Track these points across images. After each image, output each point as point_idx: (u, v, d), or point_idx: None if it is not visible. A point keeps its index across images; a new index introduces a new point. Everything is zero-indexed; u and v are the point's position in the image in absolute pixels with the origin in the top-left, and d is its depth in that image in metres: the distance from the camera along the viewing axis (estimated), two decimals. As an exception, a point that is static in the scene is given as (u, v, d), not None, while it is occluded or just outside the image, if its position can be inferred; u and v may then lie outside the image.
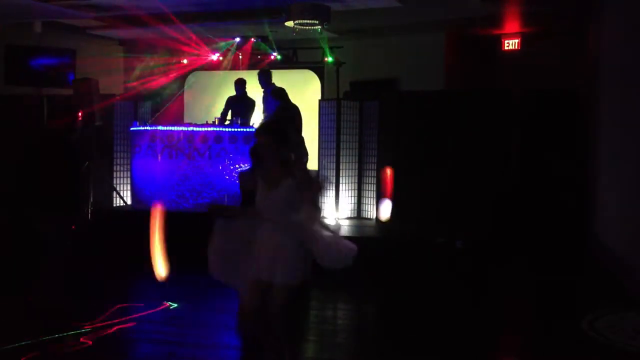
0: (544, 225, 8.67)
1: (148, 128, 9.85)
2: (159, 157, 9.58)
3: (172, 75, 11.73)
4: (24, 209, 7.47)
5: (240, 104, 10.58)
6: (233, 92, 10.64)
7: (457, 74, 11.63)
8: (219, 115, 10.47)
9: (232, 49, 11.74)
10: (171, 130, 9.61)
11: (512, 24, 11.23)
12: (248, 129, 10.02)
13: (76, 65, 11.49)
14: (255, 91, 10.96)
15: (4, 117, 10.76)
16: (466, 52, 11.80)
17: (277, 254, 4.19)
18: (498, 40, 11.59)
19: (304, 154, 9.96)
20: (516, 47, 11.55)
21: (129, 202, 10.40)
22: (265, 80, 10.27)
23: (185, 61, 12.33)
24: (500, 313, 6.77)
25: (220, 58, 11.78)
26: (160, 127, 9.66)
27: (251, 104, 10.74)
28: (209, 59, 11.79)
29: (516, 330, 6.34)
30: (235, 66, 11.77)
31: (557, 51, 10.91)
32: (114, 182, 10.49)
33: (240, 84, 10.74)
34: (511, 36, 11.50)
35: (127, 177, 10.53)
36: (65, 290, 6.36)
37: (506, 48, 11.61)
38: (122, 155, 10.59)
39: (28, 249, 6.98)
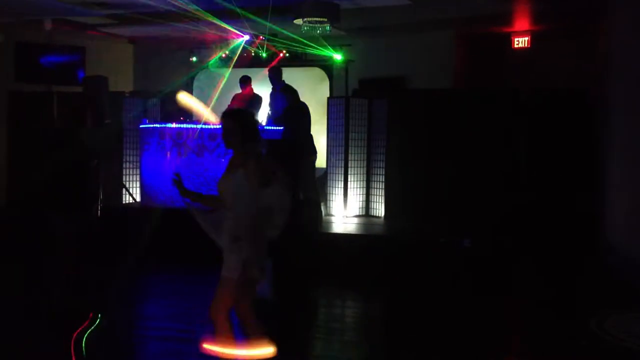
0: (552, 225, 8.64)
1: (157, 125, 9.88)
2: (168, 154, 9.60)
3: (181, 72, 11.74)
4: (35, 206, 7.53)
5: (246, 101, 10.60)
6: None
7: (466, 72, 11.60)
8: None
9: (241, 46, 11.74)
10: (180, 128, 9.63)
11: (522, 22, 11.18)
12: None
13: (86, 62, 11.53)
14: (260, 88, 11.00)
15: (15, 114, 10.86)
16: (476, 50, 11.76)
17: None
18: (508, 38, 11.54)
19: (313, 152, 9.98)
20: (526, 45, 11.48)
21: (138, 199, 10.43)
22: (275, 78, 10.29)
23: (194, 59, 12.36)
24: (507, 313, 6.76)
25: (229, 55, 11.78)
26: (169, 125, 9.69)
27: (257, 100, 10.77)
28: (218, 56, 11.79)
29: (524, 330, 6.32)
30: (244, 64, 11.77)
31: (567, 49, 10.86)
32: (123, 179, 10.52)
33: (246, 81, 10.76)
34: (521, 34, 11.44)
35: (136, 174, 10.56)
36: (74, 287, 6.42)
37: (516, 46, 11.56)
38: (131, 153, 10.62)
39: (39, 245, 7.05)
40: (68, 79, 11.30)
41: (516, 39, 11.48)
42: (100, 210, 9.27)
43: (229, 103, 10.82)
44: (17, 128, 10.84)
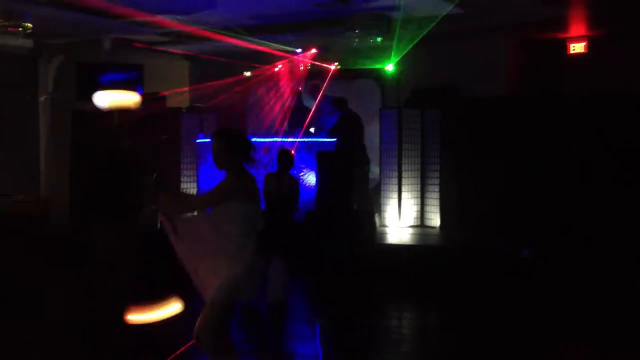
0: (615, 232, 8.38)
1: (213, 140, 10.06)
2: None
3: (237, 88, 11.92)
4: (88, 216, 7.76)
5: (297, 114, 10.74)
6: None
7: (520, 80, 11.43)
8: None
9: (293, 60, 11.87)
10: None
11: (578, 27, 10.96)
12: (309, 139, 10.14)
13: (144, 80, 11.83)
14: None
15: (78, 131, 11.22)
16: (529, 57, 11.58)
17: None
18: (563, 44, 11.33)
19: (366, 162, 10.01)
20: (583, 51, 11.26)
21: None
22: (337, 107, 10.47)
23: (247, 74, 12.55)
24: (568, 326, 6.59)
25: (281, 70, 11.92)
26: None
27: (308, 113, 10.88)
28: (271, 71, 11.95)
29: (587, 343, 6.16)
30: (296, 77, 11.89)
31: (625, 54, 10.59)
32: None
33: (298, 95, 10.88)
34: (577, 40, 11.22)
35: (193, 188, 10.78)
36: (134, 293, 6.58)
37: (572, 52, 11.34)
38: (188, 167, 10.85)
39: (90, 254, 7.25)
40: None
41: (571, 45, 11.25)
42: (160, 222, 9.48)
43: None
44: (79, 144, 11.19)
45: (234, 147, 4.16)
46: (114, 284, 6.61)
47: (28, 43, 11.92)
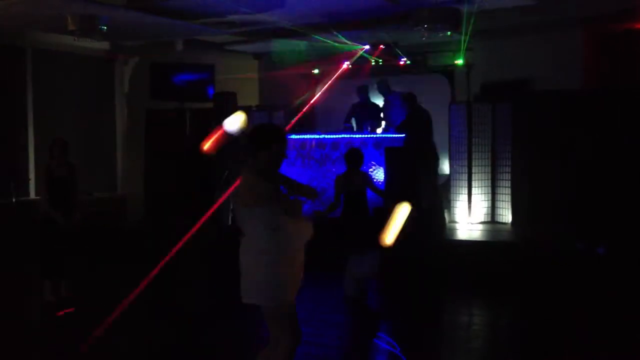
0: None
1: (282, 137, 10.18)
2: (293, 164, 9.88)
3: (306, 85, 12.03)
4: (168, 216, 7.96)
5: (364, 111, 10.72)
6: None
7: (595, 73, 11.06)
8: (349, 123, 10.69)
9: (362, 56, 11.87)
10: (303, 138, 9.88)
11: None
12: (378, 135, 10.13)
13: (215, 79, 12.08)
14: (381, 98, 11.09)
15: (152, 130, 11.57)
16: (606, 49, 11.19)
17: None
18: (640, 35, 10.91)
19: (435, 158, 9.91)
20: (662, 41, 10.80)
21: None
22: (384, 90, 10.42)
23: (316, 71, 12.62)
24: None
25: (351, 66, 11.94)
26: (293, 136, 9.97)
27: (376, 109, 10.84)
28: (340, 67, 11.98)
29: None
30: (365, 73, 11.89)
31: None
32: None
33: (363, 91, 10.86)
34: (657, 29, 10.78)
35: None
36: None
37: (650, 43, 10.89)
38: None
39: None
40: (199, 96, 11.88)
41: (651, 35, 10.81)
42: (230, 219, 9.68)
43: (347, 112, 10.99)
44: (153, 143, 11.54)
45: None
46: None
47: (104, 45, 12.36)
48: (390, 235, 4.27)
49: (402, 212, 4.31)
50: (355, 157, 7.01)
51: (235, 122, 4.49)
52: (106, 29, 9.21)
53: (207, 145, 4.53)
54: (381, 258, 6.74)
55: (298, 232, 3.98)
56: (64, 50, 11.83)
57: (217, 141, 4.66)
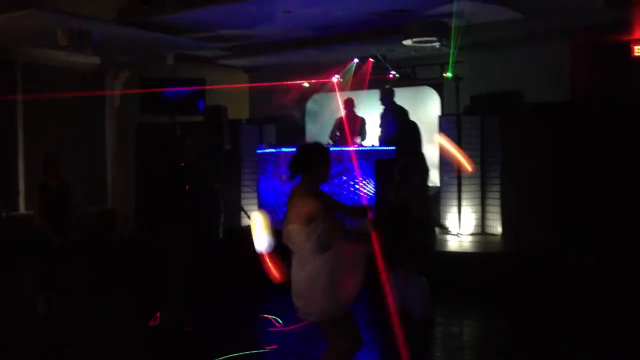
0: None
1: (272, 150, 10.23)
2: (283, 177, 9.91)
3: (294, 98, 12.09)
4: (152, 226, 7.99)
5: (356, 123, 10.76)
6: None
7: (583, 84, 11.18)
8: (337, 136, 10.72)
9: (351, 70, 11.95)
10: (294, 152, 9.89)
11: (643, 29, 10.68)
12: (368, 147, 10.18)
13: (205, 93, 12.10)
14: (369, 110, 11.12)
15: (142, 144, 11.58)
16: (592, 61, 11.32)
17: None
18: (627, 47, 11.04)
19: (425, 171, 9.95)
20: (648, 53, 10.94)
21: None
22: (387, 98, 10.38)
23: (305, 84, 12.69)
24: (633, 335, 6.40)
25: (340, 80, 12.01)
26: (283, 149, 10.01)
27: (361, 122, 10.89)
28: (329, 81, 12.05)
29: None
30: (354, 87, 11.96)
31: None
32: (242, 202, 10.93)
33: (350, 104, 10.91)
34: (642, 41, 10.92)
35: (254, 198, 10.95)
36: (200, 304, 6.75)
37: (636, 54, 11.03)
38: (249, 177, 11.03)
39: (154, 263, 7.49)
40: (190, 110, 11.89)
41: (636, 47, 10.95)
42: (222, 232, 9.69)
43: (333, 126, 11.03)
44: (144, 157, 11.54)
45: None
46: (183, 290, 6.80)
47: (95, 60, 12.39)
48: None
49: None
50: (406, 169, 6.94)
51: (262, 240, 4.52)
52: (97, 45, 9.24)
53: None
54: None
55: (349, 251, 4.03)
56: (54, 64, 11.85)
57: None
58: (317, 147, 4.34)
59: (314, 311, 4.01)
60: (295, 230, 3.97)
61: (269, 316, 6.87)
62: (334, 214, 4.12)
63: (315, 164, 4.11)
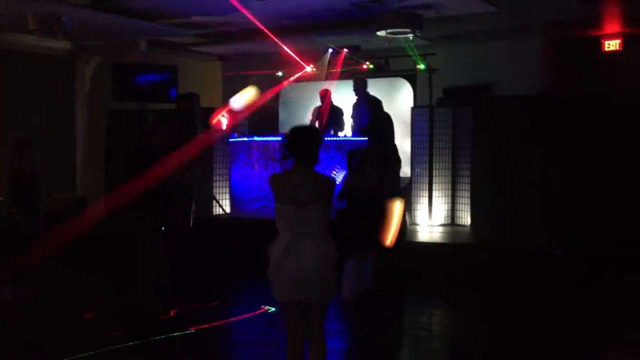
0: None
1: (245, 139, 10.20)
2: (256, 166, 9.90)
3: (269, 88, 12.03)
4: (122, 216, 7.91)
5: (326, 113, 10.77)
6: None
7: (554, 78, 11.33)
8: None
9: (325, 60, 11.93)
10: (267, 141, 9.90)
11: (613, 25, 10.82)
12: (340, 138, 10.19)
13: (178, 80, 12.00)
14: (344, 100, 11.13)
15: (113, 131, 11.43)
16: (564, 55, 11.47)
17: None
18: (597, 42, 11.20)
19: (397, 161, 10.01)
20: (617, 48, 11.11)
21: (228, 210, 10.77)
22: (360, 89, 10.39)
23: (280, 74, 12.65)
24: (601, 328, 6.50)
25: (314, 70, 11.99)
26: (256, 138, 9.98)
27: (339, 112, 10.90)
28: (303, 71, 12.02)
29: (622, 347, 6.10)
30: (328, 77, 11.95)
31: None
32: (214, 191, 10.88)
33: (326, 94, 10.91)
34: (612, 37, 11.08)
35: (226, 187, 10.91)
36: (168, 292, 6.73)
37: (606, 49, 11.20)
38: (221, 166, 10.98)
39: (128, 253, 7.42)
40: (162, 97, 11.79)
41: (606, 42, 11.11)
42: (192, 220, 9.63)
43: (310, 116, 11.04)
44: (114, 144, 11.39)
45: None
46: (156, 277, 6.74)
47: (66, 45, 12.21)
48: (389, 236, 4.37)
49: (397, 209, 4.41)
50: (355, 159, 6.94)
51: (242, 98, 4.46)
52: (68, 29, 9.10)
53: (215, 120, 4.47)
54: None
55: None
56: (25, 49, 11.65)
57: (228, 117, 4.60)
58: (313, 130, 4.50)
59: (323, 290, 4.01)
60: (313, 210, 3.98)
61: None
62: None
63: (311, 146, 4.12)
